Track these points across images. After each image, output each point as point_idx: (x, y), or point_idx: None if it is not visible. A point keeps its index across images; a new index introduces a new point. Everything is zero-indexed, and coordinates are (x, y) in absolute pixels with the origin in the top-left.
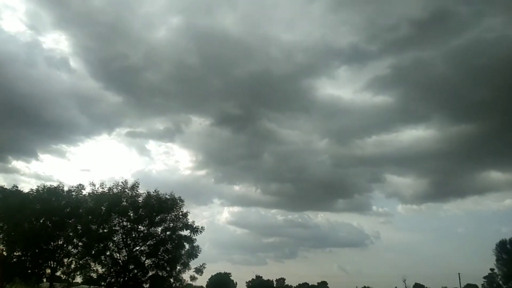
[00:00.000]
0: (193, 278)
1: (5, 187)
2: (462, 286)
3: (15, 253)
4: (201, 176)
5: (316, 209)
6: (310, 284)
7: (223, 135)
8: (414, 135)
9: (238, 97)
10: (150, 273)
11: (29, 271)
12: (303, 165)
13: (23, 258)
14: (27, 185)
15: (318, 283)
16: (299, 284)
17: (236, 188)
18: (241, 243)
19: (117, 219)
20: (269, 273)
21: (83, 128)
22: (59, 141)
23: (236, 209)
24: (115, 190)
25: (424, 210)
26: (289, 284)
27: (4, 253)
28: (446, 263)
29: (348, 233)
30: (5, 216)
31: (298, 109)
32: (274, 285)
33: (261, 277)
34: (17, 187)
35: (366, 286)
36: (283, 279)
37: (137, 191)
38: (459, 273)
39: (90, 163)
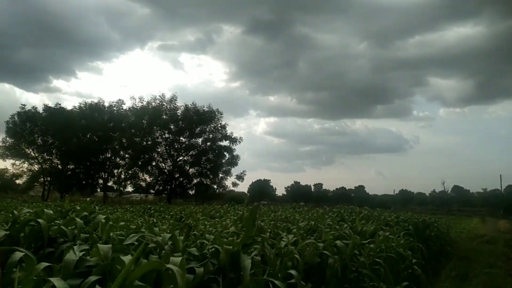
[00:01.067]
0: (234, 184)
1: (49, 105)
2: (503, 187)
3: (69, 166)
4: (236, 88)
5: (353, 117)
6: (347, 188)
7: (255, 43)
8: (461, 33)
9: (269, 0)
10: (195, 181)
11: (84, 182)
12: (340, 71)
13: (76, 170)
14: (69, 103)
15: (355, 187)
16: (336, 189)
17: (271, 98)
18: (279, 152)
19: (159, 131)
20: (307, 179)
21: (116, 44)
22: (94, 58)
23: (272, 119)
24: (154, 104)
25: (467, 113)
26: (327, 189)
27: (59, 166)
28: (487, 166)
29: (386, 138)
30: (54, 132)
31: (334, 10)
32: (312, 190)
33: (299, 182)
34: (60, 105)
35: (404, 189)
36: (320, 184)
37: (175, 104)
38: (500, 175)
39: (126, 79)
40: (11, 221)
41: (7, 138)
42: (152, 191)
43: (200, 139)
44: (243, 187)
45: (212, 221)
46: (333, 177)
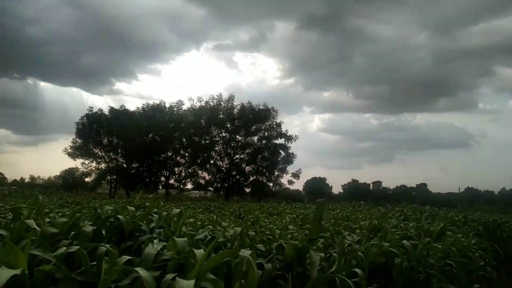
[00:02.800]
0: (290, 182)
1: (114, 107)
2: None
3: (133, 165)
4: (289, 85)
5: (414, 111)
6: (408, 186)
7: (309, 38)
8: None
9: None
10: (251, 178)
11: (147, 180)
12: (399, 63)
13: (140, 169)
14: (131, 104)
15: (416, 185)
16: (396, 187)
17: (326, 94)
18: (335, 149)
19: (216, 130)
20: (365, 177)
21: (173, 45)
22: (152, 61)
23: (327, 116)
24: (211, 104)
25: None
26: (387, 187)
27: (124, 165)
28: None
29: (450, 133)
30: (119, 133)
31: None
32: (371, 188)
33: (357, 180)
34: (124, 106)
35: (470, 186)
36: (379, 182)
37: (232, 103)
38: None
39: (184, 79)
40: (94, 218)
41: (77, 139)
42: (210, 188)
43: (256, 137)
44: (298, 185)
45: (270, 218)
46: (393, 174)
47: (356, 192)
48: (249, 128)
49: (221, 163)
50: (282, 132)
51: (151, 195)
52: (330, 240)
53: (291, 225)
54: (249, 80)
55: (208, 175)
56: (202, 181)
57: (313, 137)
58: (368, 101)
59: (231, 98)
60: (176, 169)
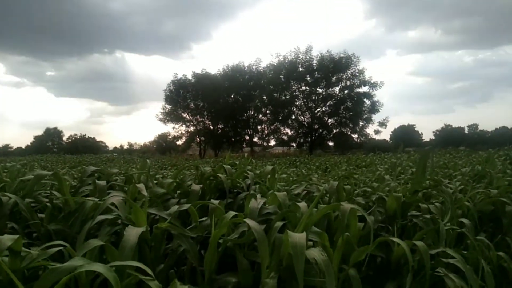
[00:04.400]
0: (377, 132)
1: (196, 72)
2: None
3: (218, 126)
4: (370, 28)
5: None
6: (510, 127)
7: None
8: None
9: None
10: (334, 131)
11: (232, 139)
12: None
13: (225, 129)
14: (212, 67)
15: None
16: (496, 129)
17: (412, 33)
18: (423, 93)
19: (296, 85)
20: (459, 120)
21: (245, 1)
22: (229, 19)
23: (413, 57)
24: (290, 58)
25: None
26: (484, 129)
27: (211, 126)
28: None
29: None
30: (203, 96)
31: None
32: (466, 132)
33: (450, 125)
34: (206, 70)
35: None
36: (475, 125)
37: (310, 55)
38: None
39: (260, 35)
40: (197, 177)
41: (166, 105)
42: (293, 144)
43: (338, 88)
44: (385, 134)
45: (359, 170)
46: (491, 115)
47: (450, 137)
48: (330, 79)
49: (302, 117)
50: (366, 79)
51: (237, 154)
52: (430, 190)
53: (387, 176)
54: (330, 30)
55: (291, 130)
56: (285, 137)
57: (400, 81)
58: (460, 36)
59: (308, 50)
60: (259, 127)
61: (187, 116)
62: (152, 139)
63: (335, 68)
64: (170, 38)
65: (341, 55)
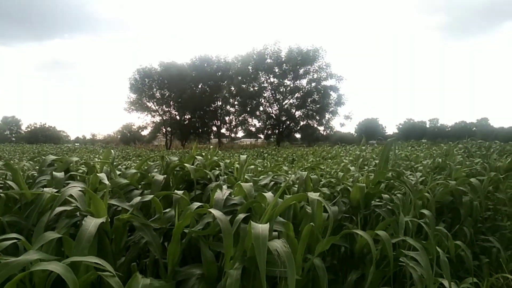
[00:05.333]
0: (342, 124)
1: (163, 61)
2: None
3: (185, 117)
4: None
5: None
6: (468, 122)
7: None
8: None
9: None
10: (302, 123)
11: (200, 130)
12: None
13: (192, 119)
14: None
15: (477, 120)
16: (455, 123)
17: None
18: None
19: (264, 76)
20: (421, 115)
21: None
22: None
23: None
24: (258, 49)
25: None
26: (444, 124)
27: (177, 117)
28: None
29: None
30: (170, 85)
31: None
32: (427, 126)
33: (412, 119)
34: (173, 60)
35: None
36: (436, 119)
37: (279, 47)
38: None
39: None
40: (162, 168)
41: (130, 94)
42: (261, 135)
43: (305, 81)
44: (350, 127)
45: (325, 162)
46: (453, 109)
47: (412, 131)
48: (298, 71)
49: (270, 109)
50: (332, 72)
51: (204, 145)
52: (392, 181)
53: (352, 168)
54: (297, 21)
55: (258, 122)
56: (253, 129)
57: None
58: None
59: (277, 41)
60: (226, 118)
61: (153, 106)
62: (116, 129)
63: (303, 60)
64: (134, 25)
65: (309, 47)
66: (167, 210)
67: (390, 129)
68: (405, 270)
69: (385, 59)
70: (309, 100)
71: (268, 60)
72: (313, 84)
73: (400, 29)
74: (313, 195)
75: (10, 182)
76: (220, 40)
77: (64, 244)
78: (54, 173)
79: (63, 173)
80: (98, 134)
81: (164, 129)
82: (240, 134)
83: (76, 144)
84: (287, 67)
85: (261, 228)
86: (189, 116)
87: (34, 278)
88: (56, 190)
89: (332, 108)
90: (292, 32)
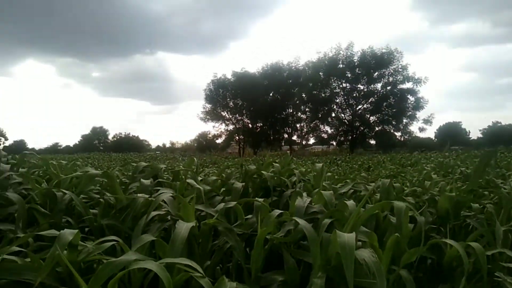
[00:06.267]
0: (421, 129)
1: (236, 71)
2: None
3: (257, 125)
4: (415, 21)
5: None
6: None
7: None
8: None
9: None
10: (377, 129)
11: (271, 137)
12: None
13: (264, 127)
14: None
15: None
16: None
17: (458, 26)
18: (470, 89)
19: (336, 82)
20: (510, 118)
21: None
22: (268, 17)
23: (460, 51)
24: (330, 54)
25: None
26: None
27: (250, 125)
28: None
29: None
30: (242, 94)
31: None
32: None
33: (500, 122)
34: (245, 69)
35: None
36: None
37: (351, 51)
38: None
39: (299, 33)
40: (241, 175)
41: (206, 104)
42: (333, 142)
43: (380, 84)
44: (429, 132)
45: (403, 169)
46: None
47: (500, 136)
48: (371, 75)
49: (343, 115)
50: (409, 75)
51: (275, 152)
52: (482, 191)
53: (434, 175)
54: (370, 24)
55: (330, 128)
56: (325, 135)
57: (445, 77)
58: (510, 28)
59: (350, 46)
60: (298, 125)
61: (227, 115)
62: (193, 137)
63: (377, 64)
64: (209, 38)
65: (383, 50)
66: (248, 216)
67: (474, 134)
68: (502, 286)
69: (467, 56)
70: (384, 105)
71: (340, 65)
72: (389, 87)
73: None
74: (399, 204)
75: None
76: (291, 46)
77: (157, 247)
78: (141, 180)
79: (152, 179)
80: (176, 142)
81: (237, 137)
82: (312, 141)
83: (157, 152)
84: (360, 71)
85: (347, 237)
86: (261, 124)
87: (132, 278)
88: (148, 196)
89: (410, 112)
90: (365, 35)
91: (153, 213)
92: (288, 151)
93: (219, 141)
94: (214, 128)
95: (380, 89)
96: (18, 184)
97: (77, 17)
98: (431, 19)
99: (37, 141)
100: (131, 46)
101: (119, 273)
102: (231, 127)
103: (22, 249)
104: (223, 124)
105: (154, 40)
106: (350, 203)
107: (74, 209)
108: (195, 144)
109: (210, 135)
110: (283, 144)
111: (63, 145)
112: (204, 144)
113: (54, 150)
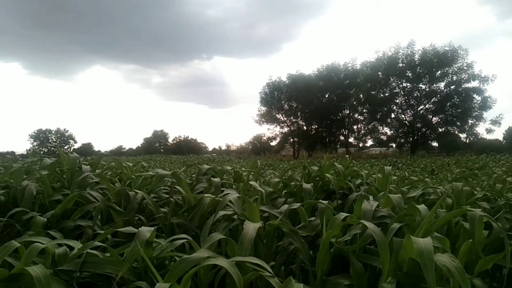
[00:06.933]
0: (489, 130)
1: (290, 73)
2: None
3: (312, 127)
4: (481, 16)
5: None
6: None
7: None
8: None
9: None
10: (440, 130)
11: (327, 139)
12: None
13: (319, 129)
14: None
15: None
16: None
17: None
18: None
19: (395, 81)
20: None
21: None
22: (319, 18)
23: None
24: (389, 54)
25: None
26: None
27: (304, 127)
28: None
29: None
30: (297, 97)
31: None
32: None
33: None
34: (300, 71)
35: None
36: None
37: (412, 49)
38: None
39: (354, 33)
40: (305, 177)
41: (261, 107)
42: (392, 144)
43: (443, 84)
44: (497, 134)
45: (471, 173)
46: None
47: None
48: (434, 74)
49: (403, 116)
50: (475, 73)
51: (331, 155)
52: None
53: (509, 179)
54: (430, 21)
55: (390, 130)
56: (384, 137)
57: None
58: None
59: (410, 44)
60: (354, 126)
61: (282, 117)
62: (248, 140)
63: (439, 62)
64: (263, 41)
65: (446, 48)
66: (311, 218)
67: None
68: None
69: None
70: (448, 105)
71: (400, 64)
72: (453, 87)
73: None
74: (474, 210)
75: (178, 187)
76: (347, 46)
77: (228, 245)
78: (212, 179)
79: (219, 179)
80: (232, 145)
81: (291, 139)
82: (369, 143)
83: (213, 154)
84: (421, 70)
85: (424, 242)
86: (316, 126)
87: (201, 276)
88: (213, 196)
89: (476, 113)
90: (426, 32)
91: (222, 213)
92: (346, 154)
93: (273, 143)
94: (269, 131)
95: (443, 88)
96: (95, 184)
97: (140, 26)
98: (499, 13)
99: (103, 144)
100: (190, 51)
101: (192, 269)
102: (285, 129)
103: (101, 244)
104: (278, 126)
105: (211, 45)
106: (422, 207)
107: (145, 207)
108: (250, 147)
109: (265, 138)
110: (338, 146)
111: (127, 148)
112: (258, 146)
113: (118, 152)
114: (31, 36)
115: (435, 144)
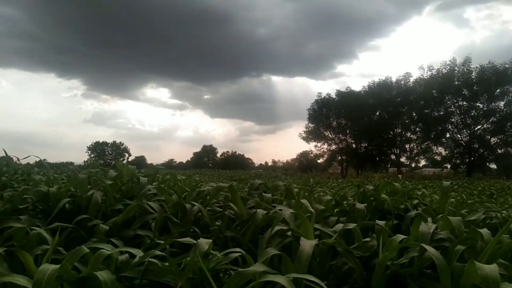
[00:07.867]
0: None
1: (340, 90)
2: None
3: (361, 145)
4: None
5: None
6: None
7: None
8: None
9: None
10: (499, 152)
11: (377, 158)
12: None
13: (369, 148)
14: (354, 85)
15: None
16: None
17: None
18: None
19: (451, 99)
20: None
21: (393, 16)
22: (372, 37)
23: None
24: (444, 71)
25: None
26: None
27: (353, 145)
28: None
29: None
30: (346, 114)
31: None
32: None
33: None
34: (350, 88)
35: None
36: None
37: (468, 67)
38: None
39: (407, 51)
40: (359, 196)
41: (309, 124)
42: (447, 165)
43: (502, 102)
44: None
45: None
46: None
47: None
48: (493, 92)
49: (459, 136)
50: None
51: (381, 174)
52: None
53: None
54: (485, 37)
55: (445, 150)
56: (438, 157)
57: None
58: None
59: (467, 61)
60: (406, 145)
61: (330, 135)
62: (294, 157)
63: (498, 80)
64: (313, 59)
65: (506, 65)
66: (366, 239)
67: None
68: None
69: None
70: (508, 125)
71: (456, 82)
72: None
73: None
74: None
75: (230, 203)
76: (400, 65)
77: (283, 261)
78: (264, 194)
79: (270, 195)
80: (278, 161)
81: (339, 157)
82: (422, 163)
83: (260, 170)
84: (478, 88)
85: (489, 268)
86: (366, 144)
87: None
88: (266, 212)
89: None
90: (483, 49)
91: (277, 228)
92: (397, 174)
93: (320, 160)
94: (316, 148)
95: (503, 107)
96: (153, 195)
97: (193, 45)
98: None
99: (155, 157)
100: (240, 69)
101: (253, 282)
102: (333, 146)
103: (161, 253)
104: (326, 144)
105: (260, 62)
106: (485, 231)
107: (200, 219)
108: (296, 163)
109: (312, 155)
110: (389, 165)
111: (177, 162)
112: (305, 163)
113: (170, 166)
114: (91, 54)
115: (493, 166)
